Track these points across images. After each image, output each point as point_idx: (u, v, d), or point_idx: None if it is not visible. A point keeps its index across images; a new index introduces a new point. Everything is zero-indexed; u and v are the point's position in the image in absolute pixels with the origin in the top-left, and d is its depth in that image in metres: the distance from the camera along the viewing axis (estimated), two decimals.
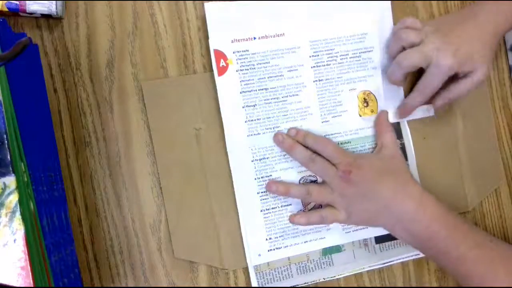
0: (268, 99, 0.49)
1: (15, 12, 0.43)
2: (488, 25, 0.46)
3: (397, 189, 0.46)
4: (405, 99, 0.49)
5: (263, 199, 0.48)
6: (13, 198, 0.32)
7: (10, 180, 0.32)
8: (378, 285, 0.52)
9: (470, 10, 0.48)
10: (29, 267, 0.32)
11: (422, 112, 0.52)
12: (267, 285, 0.49)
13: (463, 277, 0.45)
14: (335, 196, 0.47)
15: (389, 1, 0.52)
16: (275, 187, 0.47)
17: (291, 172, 0.49)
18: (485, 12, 0.47)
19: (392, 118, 0.51)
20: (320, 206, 0.49)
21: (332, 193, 0.47)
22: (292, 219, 0.48)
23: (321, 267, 0.50)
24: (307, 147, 0.47)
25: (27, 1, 0.42)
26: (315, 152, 0.47)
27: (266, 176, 0.48)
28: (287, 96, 0.49)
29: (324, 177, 0.47)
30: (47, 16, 0.44)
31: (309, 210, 0.49)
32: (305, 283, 0.49)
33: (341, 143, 0.50)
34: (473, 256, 0.44)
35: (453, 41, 0.45)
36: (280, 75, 0.49)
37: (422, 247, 0.47)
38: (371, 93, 0.51)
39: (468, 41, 0.45)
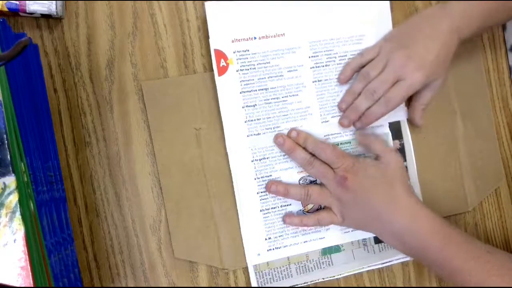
0: (268, 99, 0.49)
1: (15, 12, 0.43)
2: (449, 32, 0.46)
3: (391, 199, 0.45)
4: (370, 108, 0.48)
5: (263, 199, 0.48)
6: (13, 198, 0.32)
7: (10, 180, 0.32)
8: (378, 285, 0.52)
9: (429, 15, 0.48)
10: (29, 267, 0.32)
11: (401, 114, 0.52)
12: (266, 285, 0.49)
13: (460, 285, 0.44)
14: (333, 199, 0.47)
15: (388, 2, 0.52)
16: (274, 187, 0.47)
17: (291, 172, 0.49)
18: (446, 18, 0.47)
19: (392, 118, 0.51)
20: (319, 207, 0.49)
21: (331, 196, 0.47)
22: (285, 220, 0.48)
23: (320, 267, 0.50)
24: (306, 150, 0.47)
25: (27, 1, 0.42)
26: (314, 154, 0.47)
27: (266, 176, 0.48)
28: (287, 96, 0.49)
29: (322, 180, 0.47)
30: (47, 16, 0.44)
31: (308, 210, 0.49)
32: (304, 283, 0.49)
33: (341, 143, 0.50)
34: (468, 269, 0.43)
35: (415, 54, 0.46)
36: (280, 75, 0.49)
37: (416, 257, 0.46)
38: None
39: (430, 51, 0.46)
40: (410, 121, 0.52)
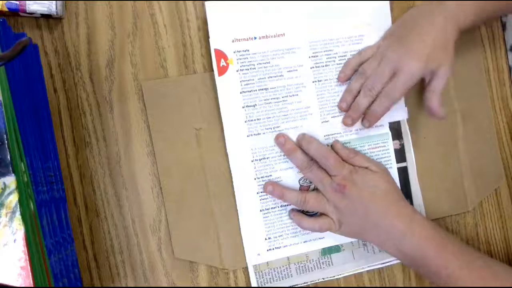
0: (268, 99, 0.49)
1: (15, 12, 0.43)
2: (445, 20, 0.46)
3: (388, 208, 0.46)
4: (372, 106, 0.48)
5: (263, 199, 0.48)
6: (13, 198, 0.32)
7: (10, 180, 0.32)
8: (378, 285, 0.52)
9: (425, 9, 0.48)
10: (29, 267, 0.32)
11: (401, 114, 0.52)
12: (266, 285, 0.49)
13: None
14: (329, 206, 0.47)
15: (388, 1, 0.51)
16: (270, 188, 0.47)
17: (291, 172, 0.49)
18: (441, 9, 0.46)
19: (392, 118, 0.51)
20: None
21: (327, 203, 0.47)
22: (290, 214, 0.49)
23: (320, 267, 0.50)
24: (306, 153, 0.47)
25: (27, 1, 0.42)
26: (313, 158, 0.47)
27: (266, 176, 0.48)
28: (287, 96, 0.49)
29: (318, 185, 0.47)
30: (47, 16, 0.44)
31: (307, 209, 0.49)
32: (304, 283, 0.49)
33: None
34: (463, 276, 0.44)
35: (410, 45, 0.46)
36: (280, 75, 0.49)
37: (412, 265, 0.47)
38: None
39: (426, 39, 0.45)
40: (429, 114, 0.49)
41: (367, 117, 0.49)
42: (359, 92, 0.48)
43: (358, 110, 0.48)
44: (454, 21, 0.46)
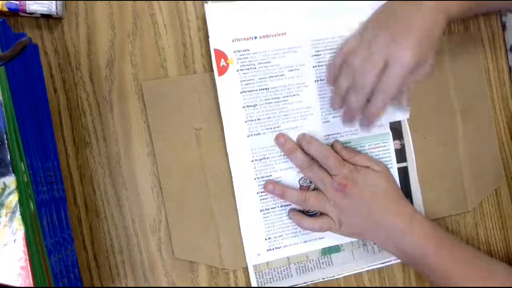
0: (268, 99, 0.48)
1: (15, 12, 0.43)
2: (433, 9, 0.41)
3: (389, 206, 0.46)
4: (368, 107, 0.43)
5: (263, 199, 0.48)
6: (13, 198, 0.32)
7: (10, 180, 0.32)
8: (378, 285, 0.52)
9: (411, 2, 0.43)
10: (29, 267, 0.32)
11: (402, 114, 0.52)
12: (266, 285, 0.49)
13: None
14: (329, 205, 0.47)
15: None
16: (271, 187, 0.47)
17: (291, 172, 0.49)
18: (429, 3, 0.42)
19: (392, 118, 0.51)
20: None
21: (328, 202, 0.47)
22: (289, 213, 0.49)
23: (320, 267, 0.50)
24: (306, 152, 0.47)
25: (27, 1, 0.42)
26: (313, 158, 0.47)
27: (266, 176, 0.48)
28: (287, 96, 0.49)
29: (319, 185, 0.47)
30: (47, 16, 0.44)
31: (308, 210, 0.49)
32: (304, 283, 0.49)
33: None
34: (461, 274, 0.45)
35: (400, 31, 0.41)
36: (281, 75, 0.49)
37: (412, 263, 0.48)
38: None
39: (415, 27, 0.41)
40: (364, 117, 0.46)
41: (366, 117, 0.45)
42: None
43: (353, 110, 0.44)
44: (443, 12, 0.42)
